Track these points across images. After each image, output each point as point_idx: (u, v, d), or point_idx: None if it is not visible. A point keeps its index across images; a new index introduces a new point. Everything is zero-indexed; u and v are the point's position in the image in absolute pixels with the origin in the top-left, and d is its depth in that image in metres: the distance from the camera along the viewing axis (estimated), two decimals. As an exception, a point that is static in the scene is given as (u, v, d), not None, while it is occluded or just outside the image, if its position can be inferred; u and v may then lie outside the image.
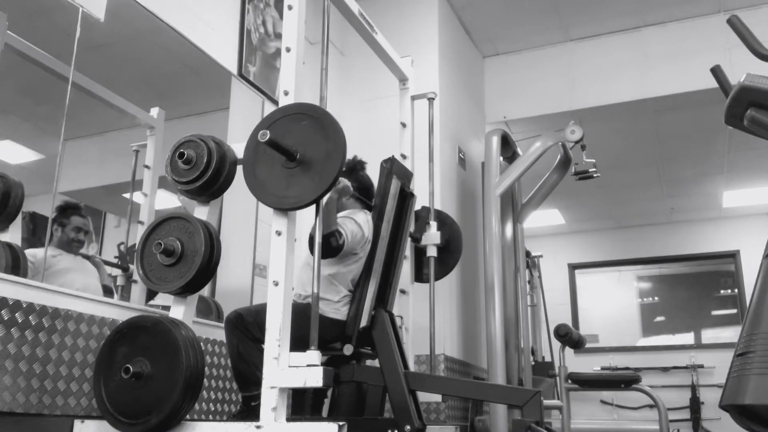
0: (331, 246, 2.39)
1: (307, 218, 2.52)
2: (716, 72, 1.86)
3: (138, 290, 2.82)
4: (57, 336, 2.20)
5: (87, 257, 2.76)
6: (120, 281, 2.89)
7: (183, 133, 2.23)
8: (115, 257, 2.95)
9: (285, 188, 2.00)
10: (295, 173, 2.00)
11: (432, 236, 3.24)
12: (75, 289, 2.41)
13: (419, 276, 3.25)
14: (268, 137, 1.93)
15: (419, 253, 3.23)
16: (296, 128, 2.03)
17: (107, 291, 2.80)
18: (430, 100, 3.47)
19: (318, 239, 2.09)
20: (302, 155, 1.99)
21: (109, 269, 2.88)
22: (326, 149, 1.99)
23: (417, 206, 3.22)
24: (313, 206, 2.05)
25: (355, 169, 2.84)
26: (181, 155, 2.14)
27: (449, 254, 3.36)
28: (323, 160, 1.98)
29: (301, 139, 2.01)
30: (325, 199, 2.17)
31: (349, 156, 2.81)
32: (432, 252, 3.24)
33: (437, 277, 3.28)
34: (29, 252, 2.43)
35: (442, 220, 3.38)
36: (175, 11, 3.02)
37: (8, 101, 2.60)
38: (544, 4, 4.65)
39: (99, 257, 2.84)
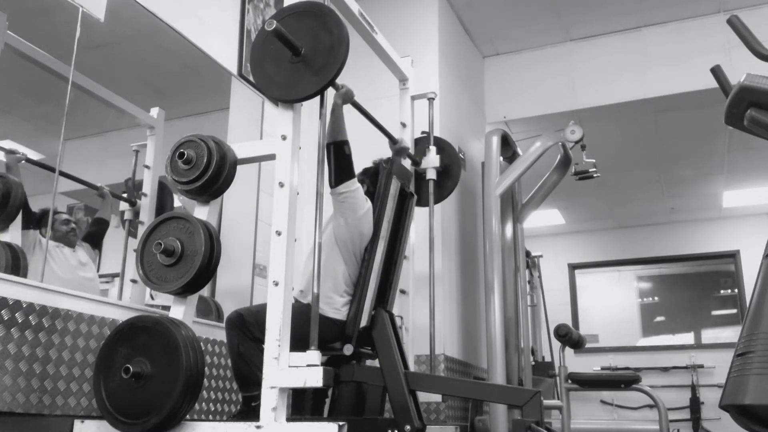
0: (345, 154, 2.44)
1: (307, 218, 2.52)
2: (716, 72, 1.86)
3: (138, 290, 2.82)
4: (57, 336, 2.20)
5: (96, 188, 2.83)
6: (127, 215, 2.96)
7: (183, 133, 2.23)
8: (123, 192, 3.00)
9: (290, 82, 2.10)
10: (299, 68, 2.10)
11: (431, 160, 3.33)
12: (77, 280, 2.41)
13: (418, 200, 3.29)
14: (274, 26, 2.01)
15: (418, 177, 3.31)
16: (302, 25, 2.13)
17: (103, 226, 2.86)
18: (430, 100, 3.48)
19: (323, 142, 2.20)
20: (307, 50, 2.09)
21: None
22: (330, 43, 2.08)
23: (417, 133, 3.33)
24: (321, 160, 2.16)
25: (377, 173, 2.82)
26: (181, 155, 2.15)
27: (448, 178, 3.45)
28: (326, 55, 2.07)
29: (306, 35, 2.11)
30: (330, 106, 2.27)
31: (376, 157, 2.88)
32: (431, 175, 3.32)
33: (436, 201, 3.37)
34: (33, 233, 2.46)
35: (441, 146, 3.45)
36: (175, 11, 3.02)
37: (8, 101, 2.60)
38: (544, 4, 4.65)
39: (107, 188, 2.86)
